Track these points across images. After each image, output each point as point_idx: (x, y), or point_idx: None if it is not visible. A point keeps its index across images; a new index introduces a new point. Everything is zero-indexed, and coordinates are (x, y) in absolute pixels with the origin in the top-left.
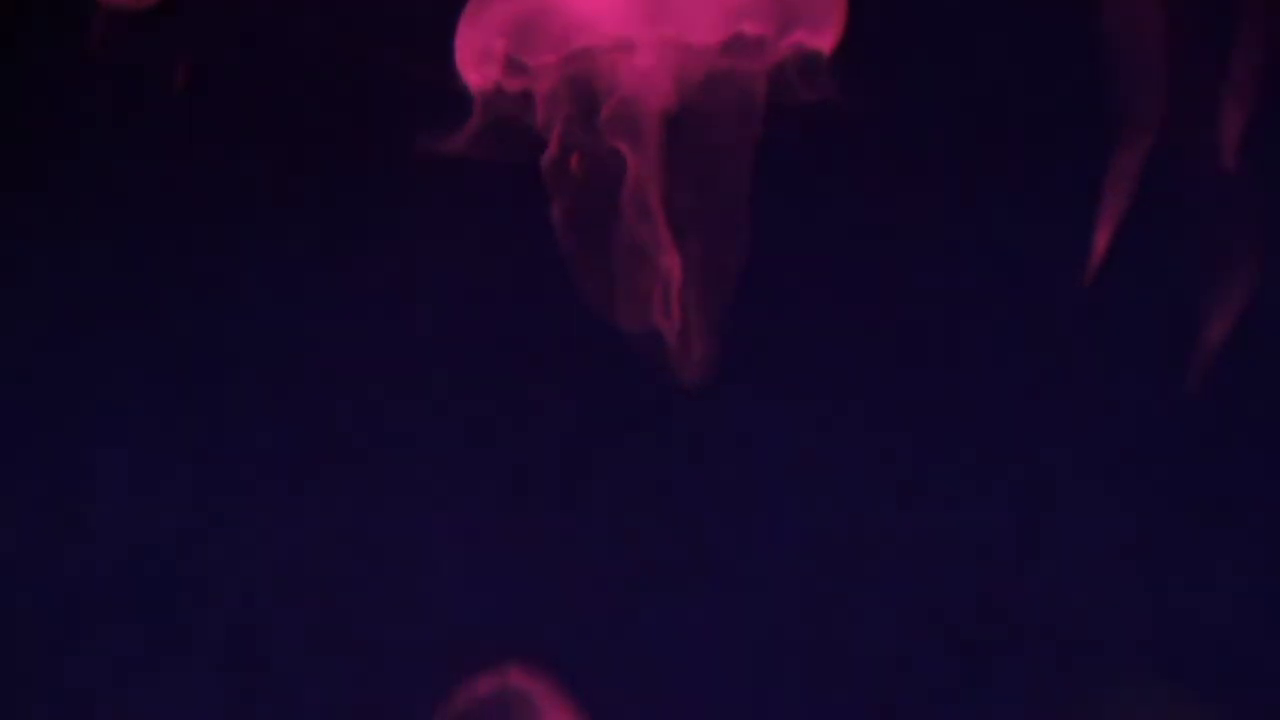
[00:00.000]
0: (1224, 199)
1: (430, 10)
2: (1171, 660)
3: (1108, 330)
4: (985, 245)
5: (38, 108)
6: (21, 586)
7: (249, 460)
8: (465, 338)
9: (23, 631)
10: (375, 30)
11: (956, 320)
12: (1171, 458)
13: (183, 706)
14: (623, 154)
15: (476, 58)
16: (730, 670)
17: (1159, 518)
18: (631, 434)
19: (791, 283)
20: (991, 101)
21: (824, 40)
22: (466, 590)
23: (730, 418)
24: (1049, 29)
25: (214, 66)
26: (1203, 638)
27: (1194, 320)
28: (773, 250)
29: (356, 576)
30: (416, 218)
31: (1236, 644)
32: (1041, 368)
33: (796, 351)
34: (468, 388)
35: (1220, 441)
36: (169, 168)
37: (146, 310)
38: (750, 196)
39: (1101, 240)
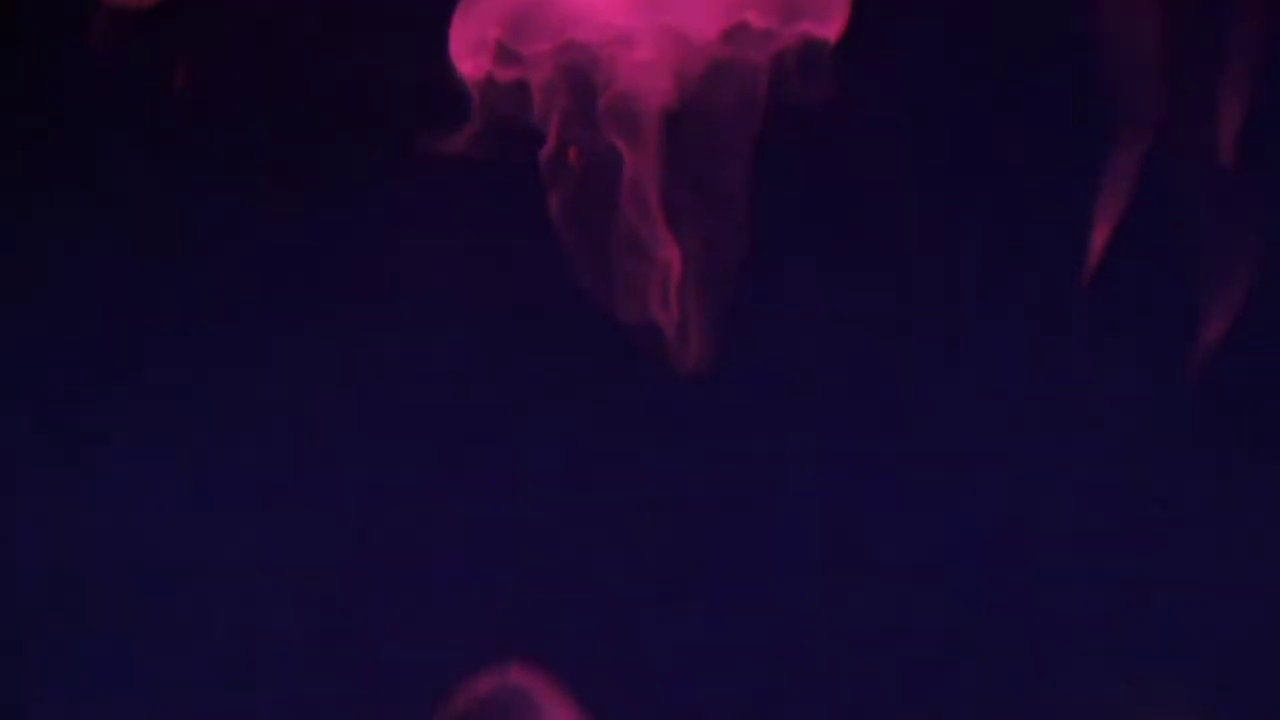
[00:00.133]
0: (1221, 197)
1: (430, 10)
2: (1171, 660)
3: (1106, 329)
4: (983, 244)
5: (39, 106)
6: (21, 586)
7: (249, 460)
8: (465, 337)
9: (23, 630)
10: (375, 30)
11: (955, 318)
12: (1170, 456)
13: (183, 706)
14: (620, 150)
15: (470, 47)
16: (730, 669)
17: (1158, 517)
18: (632, 433)
19: (789, 279)
20: (990, 101)
21: (829, 29)
22: (466, 589)
23: (729, 413)
24: (1048, 29)
25: (214, 65)
26: (1202, 638)
27: (1192, 318)
28: (771, 247)
29: (356, 576)
30: (416, 216)
31: (1236, 644)
32: (1040, 366)
33: (795, 347)
34: (467, 387)
35: (1218, 439)
36: (169, 166)
37: (147, 308)
38: (749, 191)
39: (1099, 239)
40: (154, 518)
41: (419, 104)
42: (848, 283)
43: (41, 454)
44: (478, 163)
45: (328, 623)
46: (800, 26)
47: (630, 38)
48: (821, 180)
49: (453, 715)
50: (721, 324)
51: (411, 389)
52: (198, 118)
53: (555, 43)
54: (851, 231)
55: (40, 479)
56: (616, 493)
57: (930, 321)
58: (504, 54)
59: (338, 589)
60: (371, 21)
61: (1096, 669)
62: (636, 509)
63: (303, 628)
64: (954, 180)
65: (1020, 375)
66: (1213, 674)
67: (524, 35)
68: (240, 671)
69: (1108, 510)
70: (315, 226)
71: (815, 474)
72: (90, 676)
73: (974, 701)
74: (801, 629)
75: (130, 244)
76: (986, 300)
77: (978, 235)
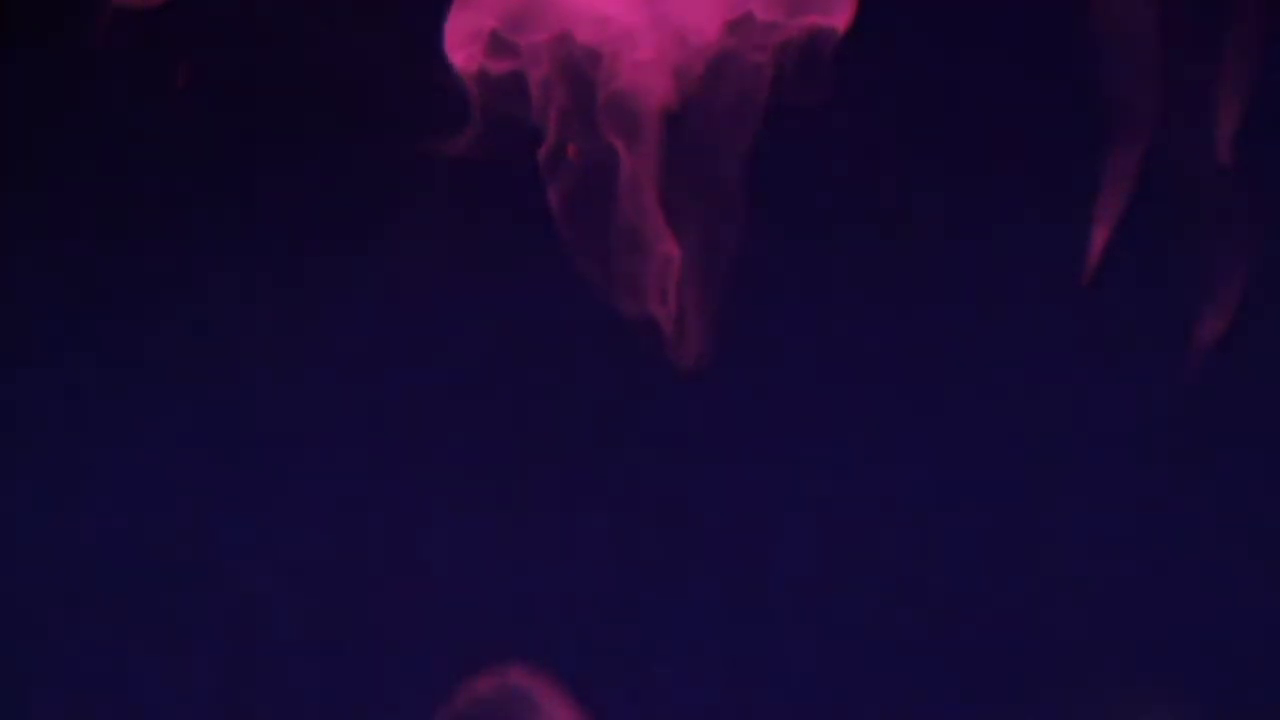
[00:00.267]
0: (1220, 196)
1: (430, 10)
2: (1170, 660)
3: (1105, 328)
4: (982, 243)
5: (40, 105)
6: (21, 585)
7: (248, 460)
8: (464, 336)
9: (23, 629)
10: (375, 30)
11: (954, 317)
12: (1168, 455)
13: (183, 706)
14: (619, 149)
15: (464, 38)
16: (730, 669)
17: (1156, 516)
18: (632, 432)
19: (788, 277)
20: (990, 101)
21: (837, 19)
22: (466, 590)
23: (728, 411)
24: (1046, 28)
25: (215, 65)
26: (1201, 638)
27: (1191, 317)
28: (770, 245)
29: (356, 576)
30: (416, 215)
31: (1234, 644)
32: (1039, 365)
33: (795, 345)
34: (467, 386)
35: (1216, 438)
36: (170, 165)
37: (147, 307)
38: (747, 188)
39: (1099, 239)
40: (154, 517)
41: (419, 104)
42: (846, 282)
43: (43, 452)
44: (478, 162)
45: (327, 622)
46: (807, 19)
47: (630, 36)
48: (821, 179)
49: (453, 715)
50: (720, 320)
51: (411, 387)
52: (198, 118)
53: (551, 34)
54: (850, 231)
55: (40, 479)
56: (616, 491)
57: (929, 320)
58: (498, 45)
59: (337, 588)
60: (372, 21)
61: (1096, 669)
62: (636, 508)
63: (303, 628)
64: (953, 179)
65: (1019, 375)
66: (1212, 675)
67: (520, 27)
68: (240, 671)
69: (1106, 510)
70: (315, 226)
71: (814, 472)
72: (90, 674)
73: (974, 701)
74: (802, 629)
75: (129, 244)
76: (986, 299)
77: (977, 235)
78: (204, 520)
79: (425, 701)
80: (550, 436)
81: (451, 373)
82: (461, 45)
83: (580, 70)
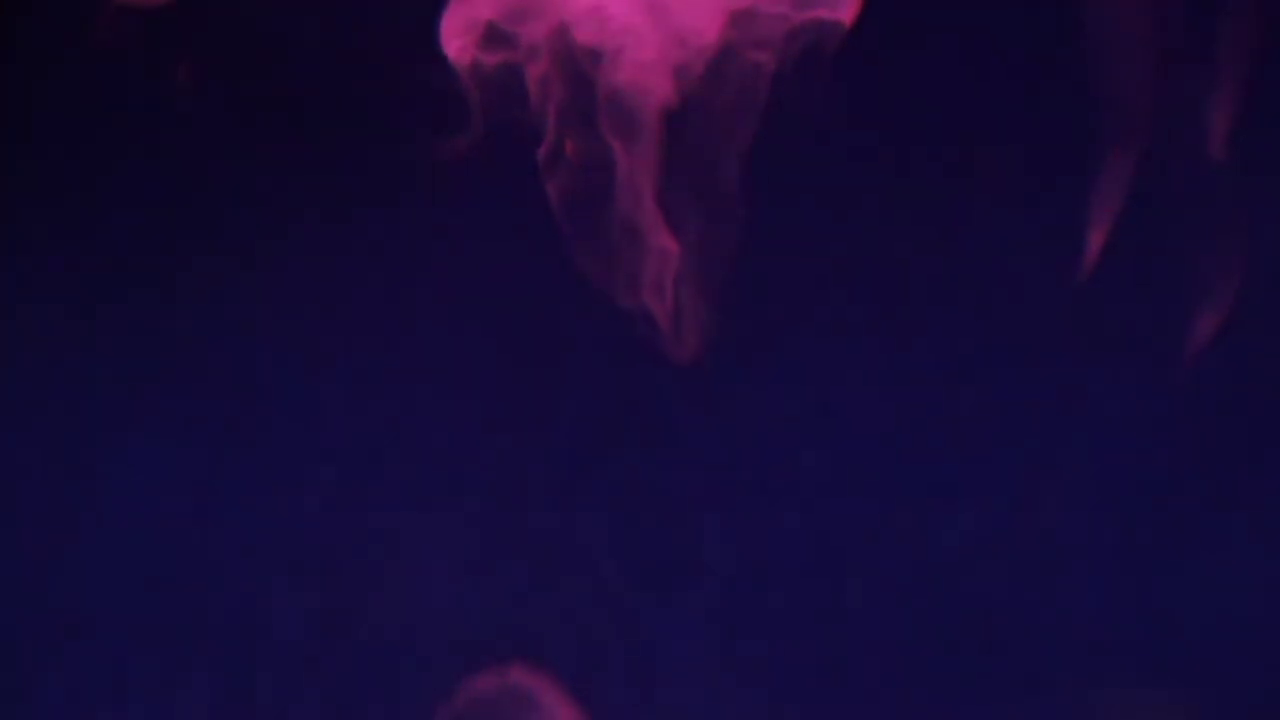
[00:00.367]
0: (1216, 195)
1: (430, 11)
2: (1169, 660)
3: (1102, 327)
4: (980, 243)
5: (41, 104)
6: (21, 584)
7: (251, 457)
8: (464, 335)
9: (23, 628)
10: (375, 30)
11: (951, 317)
12: (1165, 454)
13: (182, 705)
14: (617, 147)
15: (459, 28)
16: (730, 669)
17: (1154, 516)
18: (631, 432)
19: (787, 275)
20: (987, 101)
21: (844, 13)
22: (466, 590)
23: (727, 408)
24: (1044, 28)
25: (216, 64)
26: (1200, 638)
27: (1187, 316)
28: (769, 242)
29: (356, 576)
30: (415, 215)
31: (1234, 644)
32: (1036, 365)
33: (793, 343)
34: (466, 385)
35: (1213, 437)
36: (171, 165)
37: (148, 307)
38: (746, 186)
39: (1096, 238)
40: (155, 517)
41: (419, 104)
42: (845, 281)
43: (42, 454)
44: (478, 160)
45: (327, 622)
46: (813, 13)
47: (631, 36)
48: (820, 178)
49: (453, 715)
50: (717, 316)
51: (411, 385)
52: (198, 117)
53: (548, 27)
54: (850, 230)
55: (43, 475)
56: (616, 489)
57: (927, 319)
58: (493, 37)
59: (337, 588)
60: (372, 21)
61: (1096, 670)
62: (636, 505)
63: (303, 627)
64: (950, 179)
65: (1017, 374)
66: (1212, 675)
67: (517, 19)
68: (240, 671)
69: (1105, 510)
70: (315, 226)
71: (813, 469)
72: (90, 674)
73: (974, 701)
74: (802, 627)
75: (132, 241)
76: (983, 298)
77: (974, 234)
78: (204, 520)
79: (425, 701)
80: (550, 434)
81: (451, 371)
82: (456, 36)
83: (579, 68)
